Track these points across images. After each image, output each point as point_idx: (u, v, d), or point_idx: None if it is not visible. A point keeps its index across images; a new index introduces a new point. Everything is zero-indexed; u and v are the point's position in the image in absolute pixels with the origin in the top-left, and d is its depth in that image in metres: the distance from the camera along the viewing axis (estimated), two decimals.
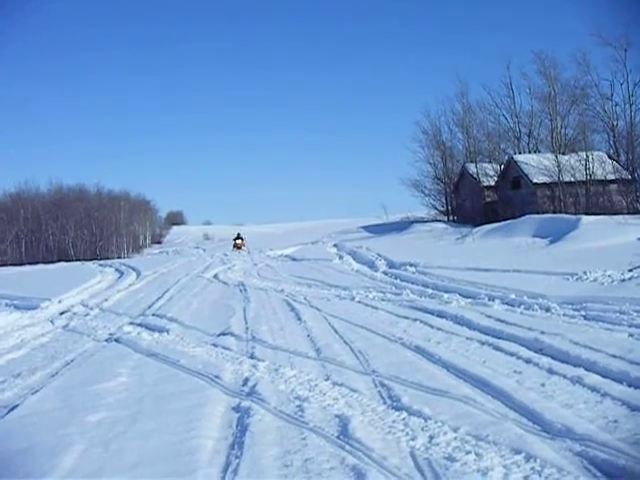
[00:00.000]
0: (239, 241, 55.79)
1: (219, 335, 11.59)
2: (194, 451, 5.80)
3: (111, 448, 6.07)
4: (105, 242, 69.69)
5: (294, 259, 31.16)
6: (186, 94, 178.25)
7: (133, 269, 29.58)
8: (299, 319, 12.70)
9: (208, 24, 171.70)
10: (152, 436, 6.32)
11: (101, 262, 43.11)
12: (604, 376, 7.16)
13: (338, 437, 5.87)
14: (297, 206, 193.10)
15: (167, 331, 12.28)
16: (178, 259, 38.15)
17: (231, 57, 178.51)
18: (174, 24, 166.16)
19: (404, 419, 6.27)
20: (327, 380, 7.92)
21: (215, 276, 24.42)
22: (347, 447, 5.59)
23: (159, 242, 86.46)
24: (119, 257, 62.63)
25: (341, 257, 29.33)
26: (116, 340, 11.94)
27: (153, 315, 14.80)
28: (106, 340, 12.17)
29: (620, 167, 42.15)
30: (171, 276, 25.32)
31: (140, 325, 13.48)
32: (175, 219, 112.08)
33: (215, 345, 10.68)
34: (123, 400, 7.81)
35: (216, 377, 8.41)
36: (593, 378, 7.12)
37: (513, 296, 13.11)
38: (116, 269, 31.54)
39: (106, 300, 18.89)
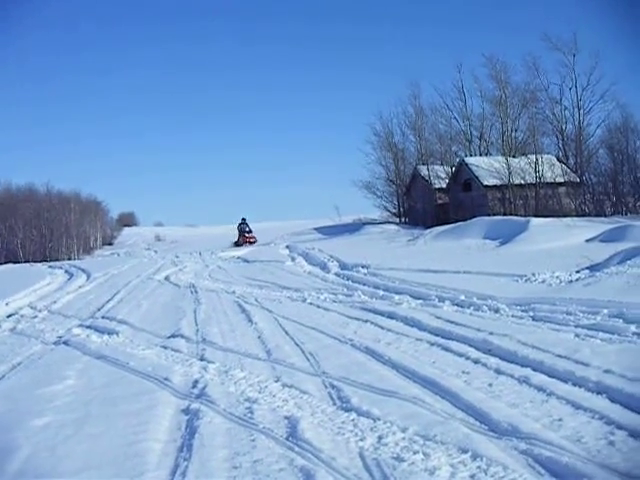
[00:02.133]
0: (248, 234, 49.40)
1: (169, 337, 11.52)
2: (142, 454, 5.77)
3: (58, 452, 6.00)
4: (55, 243, 68.61)
5: (246, 261, 31.04)
6: (134, 96, 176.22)
7: (83, 271, 29.21)
8: (250, 321, 12.66)
9: (156, 28, 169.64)
10: (100, 439, 6.26)
11: (51, 264, 42.48)
12: (550, 376, 7.28)
13: (287, 438, 5.88)
14: (249, 208, 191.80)
15: (117, 333, 12.17)
16: (129, 261, 37.80)
17: (183, 59, 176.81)
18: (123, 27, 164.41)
19: (353, 420, 6.31)
20: (277, 382, 7.92)
21: (166, 278, 24.24)
22: (296, 448, 5.60)
23: (110, 243, 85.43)
24: (69, 259, 61.76)
25: (293, 259, 29.28)
26: (64, 343, 11.78)
27: (103, 317, 14.64)
28: (54, 343, 11.99)
29: (569, 170, 42.89)
30: (122, 278, 25.07)
31: (89, 327, 13.32)
32: (127, 220, 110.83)
33: (165, 347, 10.61)
34: (71, 403, 7.72)
35: (165, 379, 8.36)
36: (540, 378, 7.24)
37: (463, 297, 13.25)
38: (66, 271, 31.12)
39: (55, 302, 18.62)
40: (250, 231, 49.54)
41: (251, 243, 47.03)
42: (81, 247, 71.95)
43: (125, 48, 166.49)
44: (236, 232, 51.06)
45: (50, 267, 35.92)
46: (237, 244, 47.47)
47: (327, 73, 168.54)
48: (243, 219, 50.72)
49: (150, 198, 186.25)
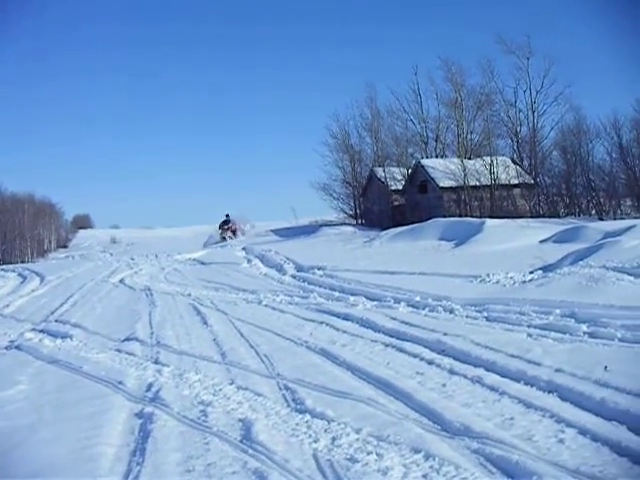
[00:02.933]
0: (230, 225, 47.34)
1: (123, 340, 11.44)
2: (95, 459, 5.72)
3: (9, 458, 5.94)
4: (8, 246, 67.57)
5: (202, 263, 30.83)
6: (88, 100, 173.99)
7: (37, 274, 28.82)
8: (205, 323, 12.61)
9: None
10: (52, 445, 6.20)
11: (3, 267, 41.84)
12: (503, 375, 7.38)
13: (241, 441, 5.88)
14: (206, 210, 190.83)
15: (70, 337, 12.05)
16: (84, 263, 37.38)
17: (136, 63, 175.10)
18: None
19: (307, 422, 6.32)
20: (232, 384, 7.91)
21: (121, 280, 24.01)
22: (250, 451, 5.60)
23: (65, 246, 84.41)
24: (23, 262, 60.83)
25: (250, 261, 29.14)
26: (17, 347, 11.64)
27: (56, 321, 14.49)
28: (6, 347, 11.83)
29: (523, 172, 43.43)
30: (76, 281, 24.78)
31: (42, 331, 13.17)
32: (82, 223, 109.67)
33: (119, 351, 10.54)
34: (22, 408, 7.65)
35: (119, 383, 8.31)
36: (492, 378, 7.32)
37: (418, 298, 13.31)
38: (19, 274, 30.67)
39: (7, 306, 18.38)
40: (230, 222, 48.09)
41: (233, 232, 46.08)
42: (35, 250, 71.02)
43: (85, 51, 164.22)
44: (220, 230, 48.39)
45: (2, 270, 35.38)
46: (223, 238, 45.74)
47: (283, 74, 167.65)
48: (227, 215, 49.05)
49: (105, 200, 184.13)
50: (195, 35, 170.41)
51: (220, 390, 7.68)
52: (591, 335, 9.05)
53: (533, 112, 46.76)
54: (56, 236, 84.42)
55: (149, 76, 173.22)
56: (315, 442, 5.75)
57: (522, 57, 46.30)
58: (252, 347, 10.09)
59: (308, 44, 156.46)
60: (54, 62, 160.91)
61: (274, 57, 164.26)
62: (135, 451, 5.91)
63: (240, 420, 6.46)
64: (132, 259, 37.42)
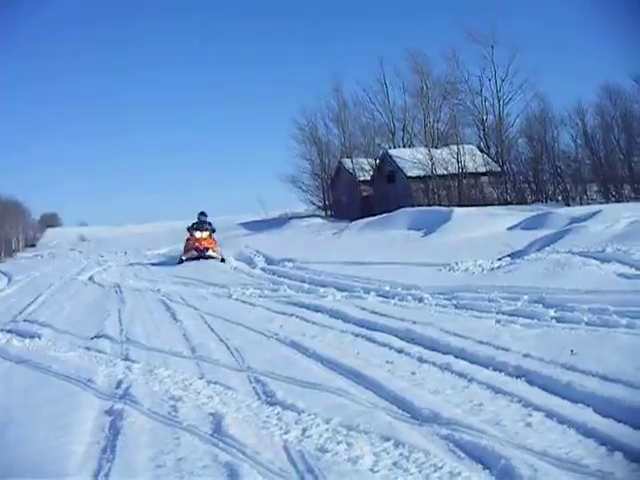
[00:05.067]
0: (203, 234, 27.04)
1: (93, 338, 11.34)
2: (64, 458, 5.65)
3: None
4: None
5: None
6: (52, 98, 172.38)
7: (4, 274, 28.60)
8: (175, 319, 12.56)
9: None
10: (20, 445, 6.13)
11: None
12: (472, 362, 7.42)
13: (212, 435, 5.85)
14: (177, 204, 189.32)
15: (39, 336, 11.92)
16: (53, 262, 37.18)
17: (109, 59, 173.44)
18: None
19: (278, 413, 6.31)
20: (202, 379, 7.87)
21: (90, 278, 23.85)
22: (221, 444, 5.58)
23: (33, 245, 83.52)
24: None
25: None
26: None
27: (24, 321, 14.32)
28: None
29: (490, 160, 43.77)
30: (44, 280, 24.57)
31: (10, 332, 13.00)
32: (50, 221, 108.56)
33: (88, 349, 10.45)
34: None
35: (89, 381, 8.22)
36: (461, 364, 7.37)
37: (387, 288, 13.36)
38: None
39: None
40: (203, 229, 27.77)
41: (204, 248, 26.60)
42: (2, 250, 70.30)
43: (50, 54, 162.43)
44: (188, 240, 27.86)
45: None
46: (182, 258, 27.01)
47: (248, 67, 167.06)
48: (202, 213, 28.75)
49: (74, 198, 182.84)
50: (157, 29, 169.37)
51: (190, 385, 7.65)
52: (558, 320, 9.13)
53: (499, 100, 47.25)
54: (24, 235, 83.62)
55: (118, 71, 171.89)
56: (286, 434, 5.75)
57: (487, 46, 46.78)
58: (222, 341, 10.05)
59: (274, 36, 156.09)
60: (22, 63, 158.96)
61: (239, 50, 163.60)
62: (105, 448, 5.86)
63: (211, 414, 6.43)
64: (101, 256, 37.26)
